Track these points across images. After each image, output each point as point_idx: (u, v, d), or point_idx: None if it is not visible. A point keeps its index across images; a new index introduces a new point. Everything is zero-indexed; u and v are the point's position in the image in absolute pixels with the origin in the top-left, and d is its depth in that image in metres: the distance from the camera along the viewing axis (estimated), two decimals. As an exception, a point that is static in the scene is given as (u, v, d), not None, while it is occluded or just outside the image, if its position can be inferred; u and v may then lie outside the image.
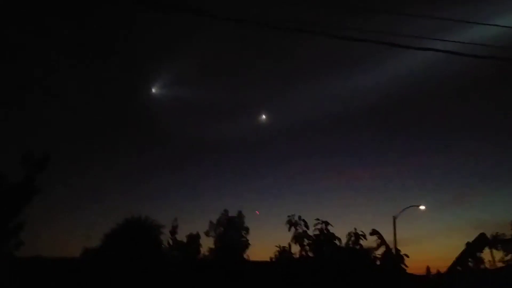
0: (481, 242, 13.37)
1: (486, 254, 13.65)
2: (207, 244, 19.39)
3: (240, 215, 21.00)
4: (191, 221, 24.54)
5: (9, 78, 16.87)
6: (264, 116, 18.94)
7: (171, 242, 15.50)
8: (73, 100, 18.49)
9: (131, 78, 18.73)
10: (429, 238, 24.89)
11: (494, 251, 13.93)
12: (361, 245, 10.05)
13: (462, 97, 19.24)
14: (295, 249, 9.95)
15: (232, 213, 20.91)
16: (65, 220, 20.61)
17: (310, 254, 9.59)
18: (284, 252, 10.16)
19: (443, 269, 15.22)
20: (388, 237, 14.98)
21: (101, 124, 20.23)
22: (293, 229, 9.35)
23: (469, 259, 13.26)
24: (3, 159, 13.00)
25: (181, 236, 16.19)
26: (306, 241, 9.08)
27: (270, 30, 6.70)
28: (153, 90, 18.24)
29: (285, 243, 10.32)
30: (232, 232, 20.31)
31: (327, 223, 9.08)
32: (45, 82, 17.30)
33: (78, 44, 15.62)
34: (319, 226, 9.15)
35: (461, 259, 13.22)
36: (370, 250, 11.38)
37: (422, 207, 18.63)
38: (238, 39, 13.31)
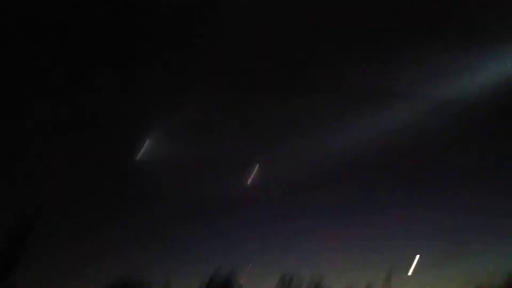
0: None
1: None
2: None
3: (232, 274, 20.63)
4: (183, 281, 23.92)
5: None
6: (253, 175, 19.00)
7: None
8: (58, 168, 18.48)
9: (120, 141, 18.86)
10: (425, 292, 24.36)
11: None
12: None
13: (456, 150, 19.47)
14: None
15: (225, 272, 20.54)
16: (55, 281, 20.06)
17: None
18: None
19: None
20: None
21: (91, 189, 20.12)
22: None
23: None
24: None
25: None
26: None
27: (255, 86, 6.93)
28: (140, 153, 18.33)
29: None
30: (225, 291, 19.89)
31: (321, 279, 9.00)
32: (35, 144, 17.35)
33: (70, 108, 15.85)
34: (313, 284, 9.05)
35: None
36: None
37: (416, 260, 18.40)
38: (224, 95, 13.64)
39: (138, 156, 18.76)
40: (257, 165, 19.09)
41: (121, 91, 14.77)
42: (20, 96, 14.56)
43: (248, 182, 20.59)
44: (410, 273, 19.77)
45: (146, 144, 18.35)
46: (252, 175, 20.23)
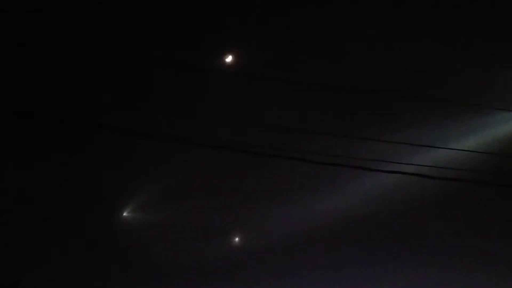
0: None
1: None
2: None
3: None
4: None
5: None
6: (238, 238, 18.87)
7: None
8: (44, 228, 18.22)
9: (102, 201, 18.71)
10: None
11: None
12: None
13: (440, 216, 19.46)
14: None
15: None
16: None
17: None
18: None
19: None
20: None
21: (75, 249, 19.73)
22: None
23: None
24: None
25: None
26: None
27: (238, 155, 6.95)
28: (124, 214, 18.15)
29: None
30: None
31: None
32: (16, 212, 17.16)
33: (48, 167, 15.81)
34: None
35: None
36: None
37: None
38: (208, 161, 13.69)
39: (125, 213, 18.53)
40: (241, 229, 18.91)
41: (104, 156, 14.82)
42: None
43: (233, 246, 20.31)
44: None
45: (132, 202, 18.19)
46: (237, 240, 19.99)
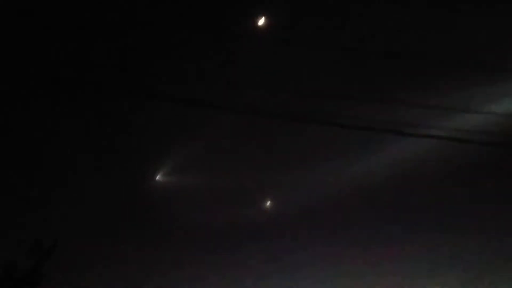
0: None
1: None
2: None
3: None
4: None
5: (18, 165, 17.30)
6: (268, 204, 19.07)
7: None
8: (79, 189, 18.76)
9: (136, 166, 19.11)
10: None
11: None
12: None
13: (468, 180, 19.25)
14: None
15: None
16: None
17: None
18: None
19: None
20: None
21: (107, 212, 20.34)
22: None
23: None
24: (10, 246, 13.02)
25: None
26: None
27: (270, 119, 7.03)
28: (157, 178, 18.53)
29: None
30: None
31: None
32: (51, 171, 17.69)
33: (85, 133, 16.19)
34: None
35: None
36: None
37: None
38: (241, 126, 13.80)
39: (157, 177, 18.97)
40: (272, 194, 19.14)
41: (140, 115, 15.06)
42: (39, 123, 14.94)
43: (264, 211, 20.60)
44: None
45: (165, 167, 18.59)
46: (267, 204, 20.26)
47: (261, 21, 10.39)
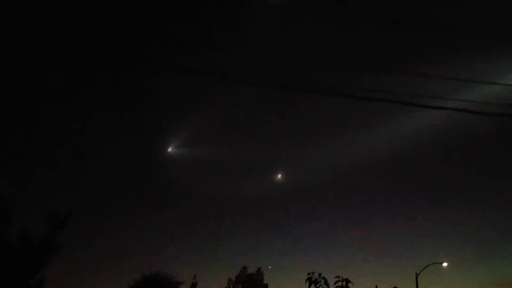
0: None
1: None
2: (225, 301, 19.15)
3: (259, 272, 20.81)
4: (210, 279, 24.37)
5: (35, 138, 17.51)
6: (280, 175, 19.19)
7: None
8: (94, 159, 18.99)
9: (149, 137, 19.26)
10: (453, 296, 24.14)
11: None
12: (382, 303, 9.90)
13: (484, 153, 19.24)
14: (315, 307, 9.79)
15: (251, 270, 20.74)
16: (86, 276, 20.63)
17: (331, 312, 9.47)
18: (304, 310, 10.04)
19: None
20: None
21: (121, 182, 20.60)
22: (313, 286, 9.25)
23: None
24: (25, 216, 13.26)
25: (200, 293, 16.08)
26: (326, 299, 8.93)
27: (284, 91, 7.01)
28: (170, 149, 18.69)
29: (304, 301, 10.23)
30: (251, 289, 20.08)
31: (348, 281, 9.00)
32: (67, 143, 17.88)
33: (96, 105, 16.25)
34: (339, 284, 9.06)
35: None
36: (392, 308, 11.20)
37: (445, 264, 18.29)
38: (253, 99, 13.78)
39: (169, 149, 19.16)
40: (284, 166, 19.21)
41: (152, 89, 15.04)
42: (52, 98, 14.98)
43: (276, 182, 20.74)
44: (438, 275, 19.61)
45: (178, 138, 18.75)
46: (279, 176, 20.39)
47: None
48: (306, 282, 9.39)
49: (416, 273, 17.68)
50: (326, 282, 9.36)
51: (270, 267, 21.11)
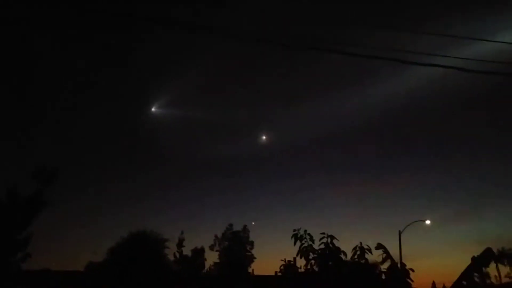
0: (487, 256, 13.30)
1: (492, 269, 13.57)
2: (212, 258, 19.44)
3: (245, 230, 21.08)
4: (196, 236, 24.76)
5: (24, 96, 17.18)
6: (265, 136, 19.15)
7: (177, 255, 15.58)
8: (80, 117, 18.76)
9: (133, 96, 18.97)
10: (435, 253, 24.80)
11: (501, 266, 13.84)
12: (366, 260, 10.07)
13: (467, 113, 19.32)
14: (301, 263, 9.96)
15: (237, 227, 20.98)
16: (72, 233, 20.77)
17: (316, 268, 9.62)
18: (289, 266, 10.17)
19: (448, 284, 15.18)
20: (394, 252, 14.90)
21: (107, 140, 20.43)
22: (298, 243, 9.34)
23: (475, 274, 13.19)
24: (12, 172, 13.16)
25: (186, 250, 16.28)
26: (311, 255, 9.05)
27: (270, 48, 6.85)
28: (153, 109, 18.46)
29: (290, 257, 10.38)
30: (237, 246, 20.36)
31: (332, 237, 9.10)
32: (55, 101, 17.59)
33: (84, 65, 15.87)
34: (324, 240, 9.16)
35: (466, 274, 13.16)
36: (376, 264, 11.40)
37: (428, 222, 18.64)
38: (238, 58, 13.50)
39: (153, 108, 18.90)
40: (272, 126, 19.09)
41: (137, 48, 14.68)
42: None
43: (261, 142, 20.70)
44: (420, 233, 20.03)
45: (162, 98, 18.47)
46: (265, 135, 20.32)
47: None
48: (292, 238, 9.49)
49: (399, 231, 18.02)
50: (311, 239, 9.47)
51: (253, 223, 21.39)
